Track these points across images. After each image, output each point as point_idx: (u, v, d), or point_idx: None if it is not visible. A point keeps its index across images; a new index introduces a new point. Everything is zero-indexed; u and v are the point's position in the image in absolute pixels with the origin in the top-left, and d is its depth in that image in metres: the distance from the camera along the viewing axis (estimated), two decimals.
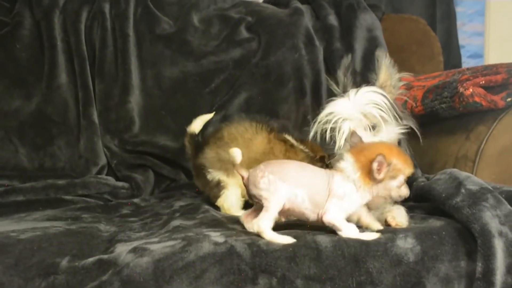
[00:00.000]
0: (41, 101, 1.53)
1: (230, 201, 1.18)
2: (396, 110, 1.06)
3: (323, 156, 1.14)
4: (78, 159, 1.52)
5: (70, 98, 1.55)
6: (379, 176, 0.86)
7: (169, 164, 1.55)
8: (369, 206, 0.94)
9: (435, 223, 0.92)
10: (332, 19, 1.72)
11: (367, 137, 1.01)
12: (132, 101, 1.58)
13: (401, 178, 0.89)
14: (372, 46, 1.66)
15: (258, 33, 1.67)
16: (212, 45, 1.66)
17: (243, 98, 1.59)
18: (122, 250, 0.82)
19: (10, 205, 1.32)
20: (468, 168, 1.20)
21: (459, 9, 2.23)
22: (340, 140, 1.03)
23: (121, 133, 1.56)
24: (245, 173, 0.91)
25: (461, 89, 1.18)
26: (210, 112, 1.52)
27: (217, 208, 1.19)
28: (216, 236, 0.86)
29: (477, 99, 1.17)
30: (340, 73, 1.14)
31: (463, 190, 0.92)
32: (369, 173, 0.86)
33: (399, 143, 1.10)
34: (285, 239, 0.84)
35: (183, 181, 1.54)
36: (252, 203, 0.94)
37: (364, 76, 1.43)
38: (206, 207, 1.17)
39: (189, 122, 1.34)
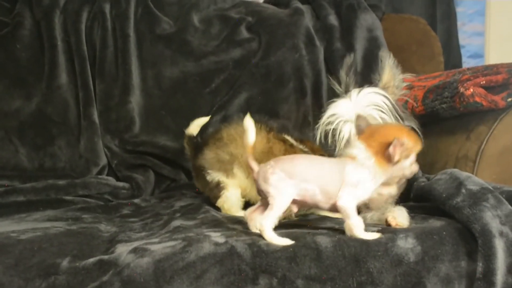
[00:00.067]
0: (41, 101, 1.53)
1: (230, 201, 1.18)
2: (398, 111, 1.06)
3: (322, 156, 1.14)
4: (78, 159, 1.52)
5: (70, 98, 1.55)
6: (396, 158, 0.86)
7: (169, 164, 1.55)
8: (370, 207, 0.94)
9: (436, 223, 0.92)
10: (333, 19, 1.72)
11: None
12: (133, 101, 1.58)
13: (413, 156, 0.90)
14: (372, 46, 1.66)
15: (259, 33, 1.67)
16: (212, 45, 1.66)
17: (243, 98, 1.59)
18: (122, 251, 0.82)
19: (10, 205, 1.32)
20: (469, 168, 1.20)
21: (459, 9, 2.22)
22: (341, 142, 1.03)
23: (122, 133, 1.56)
24: (256, 167, 0.91)
25: (461, 89, 1.18)
26: (210, 112, 1.52)
27: (218, 208, 1.19)
28: (217, 236, 0.86)
29: (477, 99, 1.17)
30: (342, 73, 1.14)
31: (463, 190, 0.92)
32: (383, 157, 0.87)
33: None
34: (284, 241, 0.84)
35: (183, 181, 1.54)
36: (253, 203, 0.93)
37: (364, 76, 1.43)
38: (207, 207, 1.17)
39: (189, 122, 1.35)
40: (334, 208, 0.88)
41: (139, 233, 0.99)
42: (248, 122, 0.91)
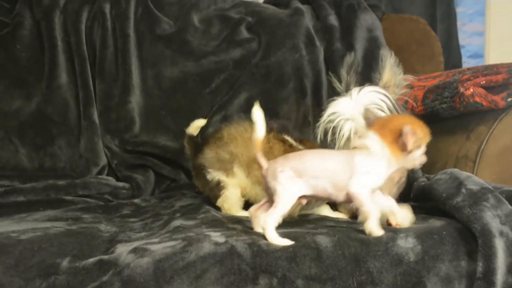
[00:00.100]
0: (41, 101, 1.53)
1: (230, 201, 1.18)
2: (398, 111, 1.06)
3: None
4: (78, 159, 1.52)
5: (70, 98, 1.55)
6: (410, 147, 0.87)
7: (170, 164, 1.55)
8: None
9: (436, 223, 0.92)
10: (333, 19, 1.72)
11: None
12: (133, 101, 1.58)
13: (423, 146, 0.91)
14: (372, 46, 1.66)
15: (259, 34, 1.67)
16: (212, 45, 1.66)
17: (243, 98, 1.59)
18: (122, 251, 0.82)
19: (10, 205, 1.31)
20: (469, 168, 1.20)
21: (459, 9, 2.22)
22: (341, 140, 1.03)
23: (122, 133, 1.56)
24: (265, 163, 0.91)
25: (461, 89, 1.18)
26: (210, 112, 1.52)
27: (218, 208, 1.19)
28: (217, 236, 0.86)
29: (477, 99, 1.17)
30: (343, 71, 1.14)
31: (463, 190, 0.92)
32: (397, 146, 0.88)
33: None
34: (284, 241, 0.84)
35: (183, 181, 1.54)
36: (253, 203, 0.93)
37: (364, 76, 1.43)
38: (207, 207, 1.17)
39: (189, 122, 1.35)
40: (348, 198, 0.88)
41: (139, 233, 0.99)
42: (257, 113, 0.90)
